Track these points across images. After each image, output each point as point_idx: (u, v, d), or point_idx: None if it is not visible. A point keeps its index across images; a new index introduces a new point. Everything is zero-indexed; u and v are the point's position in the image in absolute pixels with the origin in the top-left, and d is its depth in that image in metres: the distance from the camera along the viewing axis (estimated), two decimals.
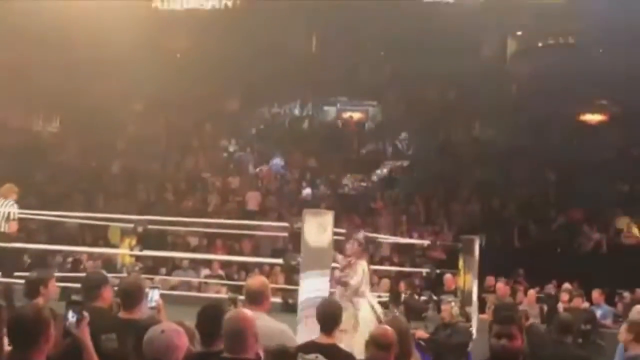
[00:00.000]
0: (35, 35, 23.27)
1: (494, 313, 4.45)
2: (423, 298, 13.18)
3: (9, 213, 10.52)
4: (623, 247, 19.07)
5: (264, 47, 24.94)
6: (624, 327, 6.62)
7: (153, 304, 5.54)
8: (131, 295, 5.33)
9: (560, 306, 12.90)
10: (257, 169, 24.19)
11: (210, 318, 4.74)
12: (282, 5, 24.32)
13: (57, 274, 12.88)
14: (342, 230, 9.32)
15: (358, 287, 8.40)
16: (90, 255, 16.67)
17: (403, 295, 12.44)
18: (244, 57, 24.94)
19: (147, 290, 5.57)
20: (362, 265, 8.52)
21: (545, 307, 13.80)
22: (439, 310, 10.73)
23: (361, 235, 8.80)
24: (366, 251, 8.80)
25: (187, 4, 25.96)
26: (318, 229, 8.27)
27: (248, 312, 4.65)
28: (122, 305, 5.34)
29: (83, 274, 8.23)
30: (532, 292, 14.14)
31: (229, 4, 25.39)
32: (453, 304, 10.26)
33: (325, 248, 8.36)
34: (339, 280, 8.49)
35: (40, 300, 5.67)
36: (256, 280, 5.76)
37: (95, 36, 22.84)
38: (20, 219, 11.13)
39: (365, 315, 8.39)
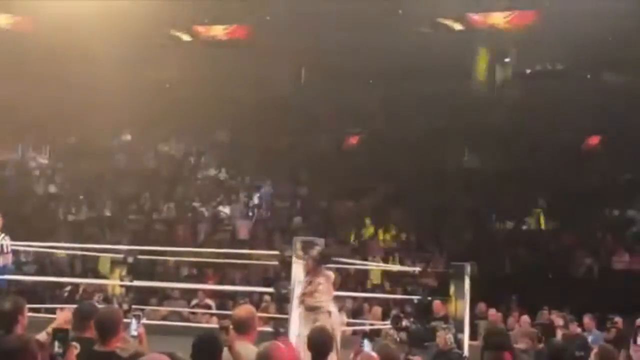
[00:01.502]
0: (25, 67, 23.35)
1: (485, 339, 4.41)
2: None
3: (1, 246, 10.24)
4: (614, 272, 19.08)
5: (253, 77, 25.05)
6: (593, 353, 6.54)
7: (134, 333, 5.50)
8: (105, 327, 5.26)
9: (559, 333, 12.86)
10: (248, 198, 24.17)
11: (205, 348, 4.72)
12: (271, 37, 24.47)
13: (52, 305, 12.87)
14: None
15: (327, 305, 8.22)
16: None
17: (404, 322, 12.35)
18: (234, 87, 25.01)
19: (128, 319, 5.51)
20: (323, 285, 8.32)
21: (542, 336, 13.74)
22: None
23: (315, 252, 8.56)
24: (320, 267, 8.44)
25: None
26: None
27: (281, 344, 4.67)
28: (98, 337, 5.27)
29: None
30: (524, 318, 14.09)
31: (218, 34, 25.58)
32: (447, 330, 10.21)
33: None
34: (309, 306, 8.25)
35: (18, 329, 5.63)
36: (243, 310, 5.76)
37: (85, 67, 22.94)
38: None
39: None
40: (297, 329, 8.09)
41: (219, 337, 4.98)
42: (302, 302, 8.22)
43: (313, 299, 8.15)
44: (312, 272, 8.35)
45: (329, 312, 8.25)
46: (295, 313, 8.32)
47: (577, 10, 21.12)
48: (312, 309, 8.13)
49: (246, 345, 5.54)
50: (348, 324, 11.55)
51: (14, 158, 26.52)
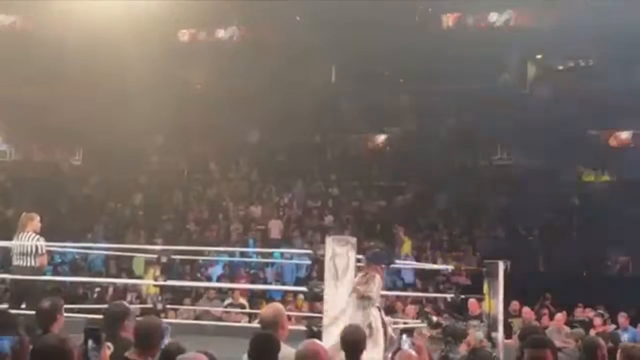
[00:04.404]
0: (57, 69, 23.54)
1: (523, 337, 4.33)
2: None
3: (36, 247, 10.08)
4: None
5: (284, 77, 25.09)
6: (618, 352, 6.48)
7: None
8: (148, 339, 5.12)
9: (591, 331, 12.79)
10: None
11: (263, 347, 4.71)
12: (301, 36, 24.50)
13: (83, 306, 12.97)
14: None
15: (376, 298, 8.30)
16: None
17: (435, 318, 12.30)
18: (264, 87, 25.07)
19: None
20: (377, 278, 8.27)
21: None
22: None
23: (370, 253, 8.58)
24: (372, 266, 8.35)
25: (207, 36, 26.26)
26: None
27: (322, 344, 4.67)
28: (136, 344, 5.14)
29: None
30: (559, 316, 14.00)
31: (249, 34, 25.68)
32: (477, 328, 10.12)
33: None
34: (360, 294, 8.37)
35: (54, 328, 5.67)
36: (270, 309, 5.72)
37: (116, 69, 23.09)
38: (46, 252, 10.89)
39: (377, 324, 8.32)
40: (345, 307, 8.06)
41: (276, 336, 4.97)
42: (354, 290, 8.30)
43: (366, 287, 8.21)
44: (370, 269, 8.30)
45: (379, 308, 8.33)
46: (344, 299, 8.31)
47: (608, 6, 20.93)
48: (363, 298, 8.20)
49: None
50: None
51: (48, 160, 26.74)
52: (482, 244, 20.50)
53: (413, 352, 4.98)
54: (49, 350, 3.86)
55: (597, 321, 13.29)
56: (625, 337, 13.06)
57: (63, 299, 6.94)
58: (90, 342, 4.09)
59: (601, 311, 13.93)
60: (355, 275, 8.59)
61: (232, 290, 16.39)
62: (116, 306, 6.04)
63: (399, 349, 5.20)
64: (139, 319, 6.36)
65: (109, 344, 4.97)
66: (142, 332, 5.19)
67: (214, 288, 16.79)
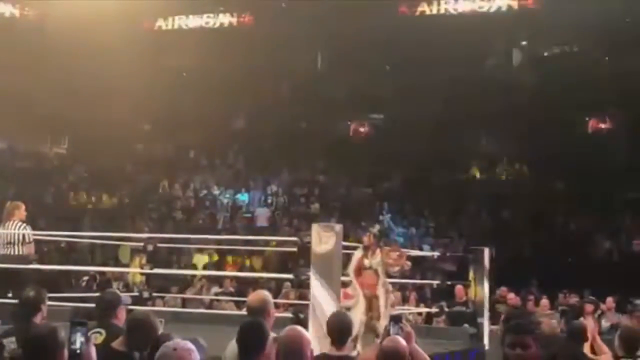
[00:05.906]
0: (42, 58, 23.46)
1: (506, 322, 4.34)
2: (435, 310, 13.32)
3: (23, 236, 10.00)
4: (635, 255, 18.99)
5: (270, 65, 25.07)
6: (617, 334, 6.59)
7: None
8: (140, 336, 4.96)
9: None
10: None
11: (252, 334, 4.74)
12: (288, 24, 24.47)
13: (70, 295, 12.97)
14: (351, 244, 9.57)
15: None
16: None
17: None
18: (251, 75, 25.04)
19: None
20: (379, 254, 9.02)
21: (563, 319, 13.71)
22: None
23: (376, 229, 9.47)
24: (378, 245, 9.12)
25: (192, 23, 26.19)
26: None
27: (304, 330, 4.70)
28: (127, 337, 5.04)
29: (96, 294, 8.20)
30: (545, 302, 14.07)
31: (234, 21, 25.62)
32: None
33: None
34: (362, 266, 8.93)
35: (38, 318, 5.69)
36: (257, 296, 5.73)
37: (102, 58, 23.03)
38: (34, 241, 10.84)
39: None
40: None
41: (266, 324, 5.00)
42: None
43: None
44: (373, 245, 9.05)
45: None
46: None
47: None
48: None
49: None
50: None
51: (34, 150, 26.65)
52: (468, 230, 20.57)
53: (402, 339, 5.00)
54: (42, 339, 3.88)
55: (588, 308, 13.31)
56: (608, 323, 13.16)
57: (49, 287, 6.94)
58: (76, 335, 4.08)
59: (593, 298, 13.96)
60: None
61: (222, 278, 16.42)
62: (109, 294, 6.07)
63: (387, 335, 5.22)
64: (134, 308, 6.37)
65: (101, 330, 5.01)
66: (132, 326, 5.11)
67: (200, 276, 16.80)
